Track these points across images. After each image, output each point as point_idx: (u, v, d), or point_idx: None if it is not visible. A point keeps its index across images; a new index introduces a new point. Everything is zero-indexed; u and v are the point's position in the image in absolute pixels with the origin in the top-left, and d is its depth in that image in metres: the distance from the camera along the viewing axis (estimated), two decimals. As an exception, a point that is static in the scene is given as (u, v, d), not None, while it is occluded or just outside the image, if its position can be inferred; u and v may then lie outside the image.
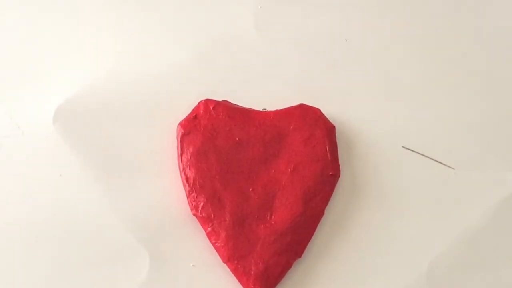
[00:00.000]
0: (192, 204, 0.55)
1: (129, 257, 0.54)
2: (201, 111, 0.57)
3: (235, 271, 0.54)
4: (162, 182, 0.56)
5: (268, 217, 0.54)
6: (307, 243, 0.55)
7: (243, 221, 0.54)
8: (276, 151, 0.56)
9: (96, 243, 0.55)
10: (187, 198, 0.55)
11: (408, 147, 0.58)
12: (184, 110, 0.58)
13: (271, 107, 0.58)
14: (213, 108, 0.57)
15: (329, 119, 0.58)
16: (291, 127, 0.57)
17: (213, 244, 0.54)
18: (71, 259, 0.54)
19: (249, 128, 0.57)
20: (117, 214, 0.55)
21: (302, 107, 0.58)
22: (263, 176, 0.56)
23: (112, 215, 0.55)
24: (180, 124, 0.57)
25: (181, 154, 0.56)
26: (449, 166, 0.58)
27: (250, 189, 0.55)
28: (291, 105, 0.58)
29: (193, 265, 0.54)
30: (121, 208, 0.55)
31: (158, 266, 0.54)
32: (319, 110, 0.58)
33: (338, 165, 0.56)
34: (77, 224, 0.55)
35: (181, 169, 0.56)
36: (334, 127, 0.58)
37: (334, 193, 0.56)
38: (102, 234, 0.55)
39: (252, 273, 0.53)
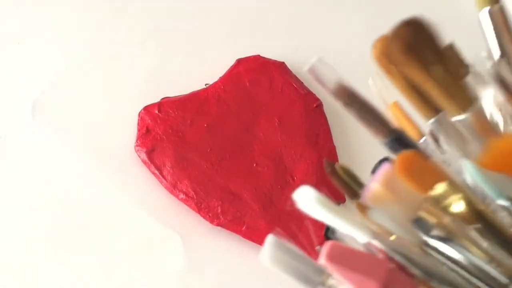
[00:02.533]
0: (209, 216, 0.52)
1: (161, 242, 0.53)
2: (149, 121, 0.54)
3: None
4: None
5: (291, 180, 0.52)
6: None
7: (270, 199, 0.51)
8: (251, 114, 0.54)
9: (123, 235, 0.53)
10: (200, 213, 0.53)
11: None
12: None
13: (210, 80, 0.57)
14: (159, 110, 0.55)
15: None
16: (247, 84, 0.55)
17: (257, 241, 0.51)
18: (101, 255, 0.53)
19: (209, 108, 0.55)
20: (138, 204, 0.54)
21: (241, 62, 0.56)
22: (256, 144, 0.53)
23: (130, 205, 0.54)
24: (136, 146, 0.54)
25: (161, 175, 0.53)
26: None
27: (254, 165, 0.53)
28: (228, 67, 0.57)
29: None
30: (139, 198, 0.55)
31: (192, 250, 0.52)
32: (259, 55, 0.57)
33: (315, 95, 0.54)
34: (97, 220, 0.54)
35: (172, 189, 0.53)
36: (283, 62, 0.56)
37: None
38: (126, 226, 0.54)
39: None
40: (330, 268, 0.24)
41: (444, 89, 0.25)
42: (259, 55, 0.59)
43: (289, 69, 0.59)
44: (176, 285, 0.53)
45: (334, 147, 0.56)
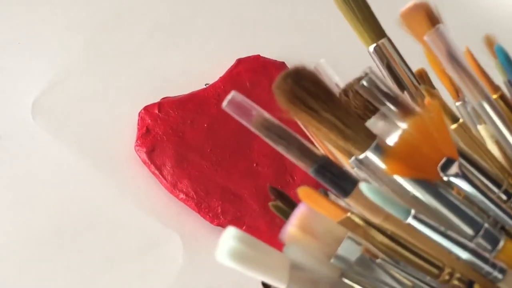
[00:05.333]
0: (209, 216, 0.52)
1: (161, 242, 0.53)
2: (149, 121, 0.54)
3: None
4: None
5: (291, 180, 0.52)
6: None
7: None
8: (251, 114, 0.54)
9: (123, 236, 0.53)
10: (200, 213, 0.53)
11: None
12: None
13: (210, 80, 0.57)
14: (159, 110, 0.55)
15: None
16: (247, 84, 0.56)
17: None
18: (101, 255, 0.53)
19: (209, 109, 0.55)
20: (136, 203, 0.54)
21: (241, 62, 0.57)
22: (256, 145, 0.53)
23: (130, 205, 0.54)
24: (136, 146, 0.54)
25: (161, 175, 0.53)
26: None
27: (254, 164, 0.53)
28: (228, 67, 0.57)
29: None
30: (138, 197, 0.54)
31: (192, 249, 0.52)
32: (259, 55, 0.57)
33: None
34: (97, 220, 0.54)
35: (172, 189, 0.53)
36: (283, 62, 0.56)
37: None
38: (126, 226, 0.53)
39: None
40: None
41: (338, 133, 0.25)
42: (259, 55, 0.59)
43: (289, 69, 0.59)
44: (176, 285, 0.52)
45: (334, 147, 0.56)
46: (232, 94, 0.26)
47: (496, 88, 0.29)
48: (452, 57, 0.27)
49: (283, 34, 0.63)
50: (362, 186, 0.24)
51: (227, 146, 0.54)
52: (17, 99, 0.57)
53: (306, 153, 0.26)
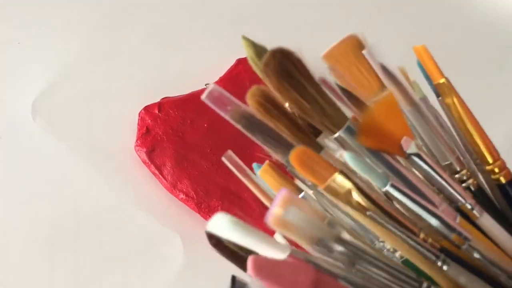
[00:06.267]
0: (209, 216, 0.52)
1: (161, 243, 0.53)
2: (149, 121, 0.55)
3: None
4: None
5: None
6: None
7: None
8: (251, 114, 0.54)
9: (123, 236, 0.53)
10: (200, 213, 0.53)
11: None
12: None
13: (210, 80, 0.57)
14: (159, 110, 0.55)
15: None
16: (247, 84, 0.55)
17: None
18: (101, 255, 0.52)
19: (209, 109, 0.54)
20: (136, 203, 0.54)
21: (241, 62, 0.56)
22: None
23: (130, 205, 0.54)
24: (136, 146, 0.54)
25: (161, 175, 0.53)
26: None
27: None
28: (228, 67, 0.57)
29: None
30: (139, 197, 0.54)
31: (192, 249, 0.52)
32: None
33: None
34: (97, 220, 0.54)
35: (172, 189, 0.53)
36: None
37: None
38: (126, 226, 0.53)
39: None
40: (259, 280, 0.23)
41: (319, 110, 0.27)
42: (259, 55, 0.59)
43: (289, 69, 0.59)
44: (176, 285, 0.52)
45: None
46: (212, 86, 0.27)
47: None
48: (386, 72, 0.28)
49: (283, 34, 0.62)
50: (346, 155, 0.26)
51: (227, 146, 0.54)
52: (17, 99, 0.57)
53: (283, 143, 0.28)
